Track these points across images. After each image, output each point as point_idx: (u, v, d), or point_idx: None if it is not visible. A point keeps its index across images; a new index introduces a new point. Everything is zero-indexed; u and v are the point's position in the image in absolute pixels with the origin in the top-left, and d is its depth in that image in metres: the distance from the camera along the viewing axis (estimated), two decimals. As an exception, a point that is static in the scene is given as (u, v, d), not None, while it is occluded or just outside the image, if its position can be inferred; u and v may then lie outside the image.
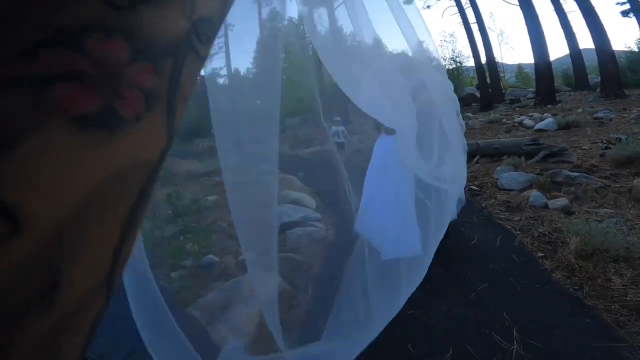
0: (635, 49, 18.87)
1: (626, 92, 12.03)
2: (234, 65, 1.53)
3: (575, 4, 12.92)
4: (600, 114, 8.08)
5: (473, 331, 1.68)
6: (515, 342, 1.57)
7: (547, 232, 2.64)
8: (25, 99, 0.09)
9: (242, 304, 1.88)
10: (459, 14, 17.46)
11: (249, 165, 1.12)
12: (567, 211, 2.97)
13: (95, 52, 0.11)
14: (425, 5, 35.18)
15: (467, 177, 4.40)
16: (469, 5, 16.89)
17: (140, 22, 0.12)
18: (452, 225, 2.80)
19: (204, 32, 0.15)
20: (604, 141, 5.23)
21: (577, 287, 1.95)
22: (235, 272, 2.47)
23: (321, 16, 1.51)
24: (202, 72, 1.55)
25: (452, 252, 2.55)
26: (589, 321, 1.67)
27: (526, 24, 13.49)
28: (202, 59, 0.16)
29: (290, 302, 2.05)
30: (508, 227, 2.88)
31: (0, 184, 0.09)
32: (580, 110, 9.59)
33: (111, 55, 0.11)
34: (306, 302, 2.07)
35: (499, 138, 6.56)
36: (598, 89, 13.00)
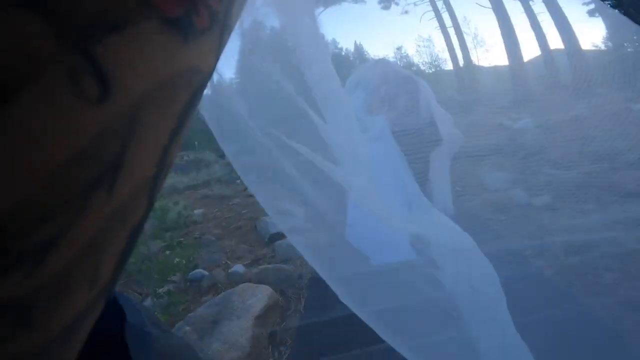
0: (604, 48, 19.71)
1: (599, 90, 12.49)
2: (216, 77, 1.53)
3: (543, 5, 13.47)
4: (576, 113, 8.37)
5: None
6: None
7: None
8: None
9: (235, 317, 1.85)
10: (436, 18, 17.97)
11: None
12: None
13: None
14: (404, 11, 36.03)
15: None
16: (445, 10, 17.40)
17: None
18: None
19: None
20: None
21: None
22: (226, 285, 2.43)
23: (304, 25, 1.52)
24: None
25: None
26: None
27: (500, 27, 13.94)
28: (244, 1, 0.18)
29: (282, 314, 2.03)
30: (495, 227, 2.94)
31: (102, 53, 0.10)
32: (556, 109, 9.91)
33: None
34: (299, 312, 2.05)
35: (481, 140, 6.73)
36: (572, 89, 13.47)
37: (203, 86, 0.16)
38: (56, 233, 0.10)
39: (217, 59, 0.16)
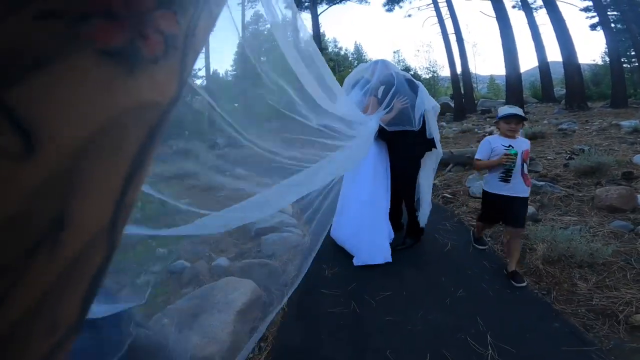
0: (600, 62, 19.96)
1: (589, 104, 12.74)
2: (213, 67, 1.50)
3: (547, 16, 13.60)
4: (564, 126, 8.50)
5: (449, 337, 1.69)
6: (489, 347, 1.59)
7: (516, 239, 2.73)
8: (61, 29, 0.10)
9: (216, 311, 1.81)
10: (438, 24, 17.98)
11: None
12: (534, 219, 3.08)
13: None
14: (407, 14, 36.10)
15: (441, 185, 4.50)
16: (449, 16, 17.42)
17: None
18: (426, 230, 2.85)
19: None
20: (568, 152, 5.50)
21: (545, 292, 2.02)
22: (208, 278, 2.39)
23: (304, 21, 1.49)
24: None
25: (427, 259, 2.59)
26: (558, 325, 1.73)
27: (501, 36, 14.05)
28: (213, 19, 0.17)
29: (264, 309, 2.00)
30: (480, 233, 2.96)
31: (20, 99, 0.09)
32: (545, 121, 10.07)
33: None
34: (282, 308, 2.03)
35: (471, 147, 6.77)
36: (563, 101, 13.70)
37: (163, 120, 0.14)
38: (0, 294, 0.10)
39: (180, 85, 0.15)
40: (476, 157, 2.28)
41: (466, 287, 2.12)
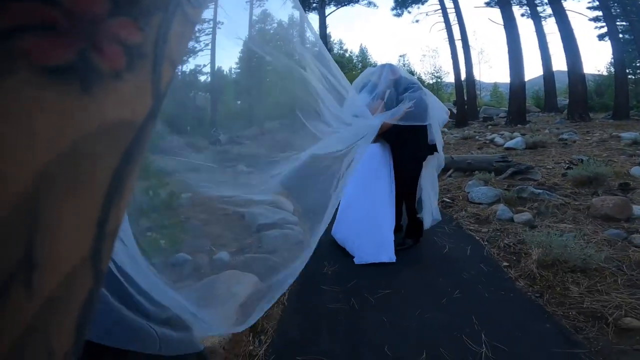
0: (605, 73, 19.80)
1: (591, 115, 12.74)
2: (218, 64, 1.53)
3: (555, 26, 13.59)
4: (565, 136, 8.56)
5: (445, 335, 1.74)
6: (484, 345, 1.65)
7: (512, 244, 2.79)
8: None
9: (217, 304, 1.86)
10: (445, 30, 18.02)
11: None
12: (530, 225, 3.14)
13: (68, 4, 0.10)
14: (415, 19, 36.22)
15: (441, 190, 4.56)
16: (457, 22, 17.46)
17: None
18: (426, 233, 2.90)
19: None
20: (567, 162, 5.56)
21: (538, 295, 2.07)
22: (208, 271, 2.43)
23: (312, 21, 1.54)
24: (185, 69, 1.53)
25: (425, 260, 2.64)
26: (549, 326, 1.78)
27: (507, 43, 14.06)
28: (192, 24, 0.15)
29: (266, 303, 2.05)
30: (477, 237, 3.02)
31: None
32: (547, 131, 10.12)
33: (86, 7, 0.11)
34: (282, 303, 2.08)
35: (471, 154, 6.83)
36: (565, 111, 13.72)
37: (139, 139, 0.13)
38: None
39: (156, 98, 0.13)
40: None
41: (462, 288, 2.17)
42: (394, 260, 2.52)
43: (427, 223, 2.78)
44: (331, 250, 2.78)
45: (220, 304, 1.87)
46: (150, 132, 0.14)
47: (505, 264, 2.50)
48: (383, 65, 2.74)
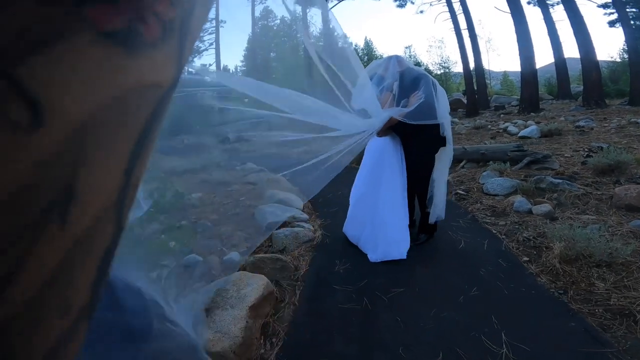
0: (618, 59, 19.40)
1: (607, 102, 12.40)
2: (223, 62, 1.49)
3: (564, 12, 13.27)
4: (581, 123, 8.31)
5: (462, 335, 1.67)
6: (504, 345, 1.57)
7: (531, 237, 2.68)
8: (61, 12, 0.10)
9: (228, 306, 1.82)
10: (451, 20, 17.71)
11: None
12: (550, 217, 3.01)
13: None
14: (419, 10, 35.62)
15: (454, 182, 4.44)
16: (462, 11, 17.15)
17: None
18: (440, 227, 2.81)
19: None
20: (586, 149, 5.37)
21: (561, 292, 1.97)
22: (220, 272, 2.40)
23: (314, 17, 1.49)
24: (191, 69, 1.50)
25: (440, 256, 2.56)
26: (574, 325, 1.69)
27: (516, 32, 13.75)
28: (207, 8, 0.17)
29: (276, 305, 2.01)
30: (494, 231, 2.91)
31: (27, 75, 0.09)
32: (562, 118, 9.85)
33: None
34: (293, 304, 2.03)
35: (484, 144, 6.66)
36: (580, 98, 13.36)
37: (164, 102, 0.15)
38: (11, 268, 0.10)
39: (178, 70, 0.15)
40: None
41: (480, 285, 2.09)
42: (404, 257, 2.44)
43: (432, 219, 2.70)
44: (343, 248, 2.72)
45: (230, 306, 1.84)
46: (171, 98, 0.15)
47: (525, 258, 2.40)
48: (390, 57, 2.66)
